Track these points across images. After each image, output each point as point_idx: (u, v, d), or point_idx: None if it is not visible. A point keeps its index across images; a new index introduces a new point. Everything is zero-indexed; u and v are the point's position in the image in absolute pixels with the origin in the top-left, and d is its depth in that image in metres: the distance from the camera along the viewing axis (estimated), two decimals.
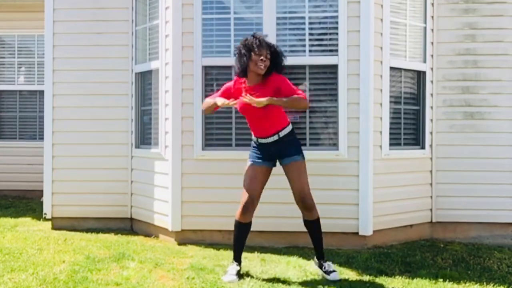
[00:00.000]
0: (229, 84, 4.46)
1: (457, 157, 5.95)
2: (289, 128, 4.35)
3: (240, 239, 4.39)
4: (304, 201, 4.30)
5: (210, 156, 5.43)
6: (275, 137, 4.28)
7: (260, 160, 4.33)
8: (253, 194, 4.29)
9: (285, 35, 5.38)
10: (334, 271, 4.31)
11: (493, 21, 5.98)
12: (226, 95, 4.38)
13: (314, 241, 4.42)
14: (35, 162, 8.21)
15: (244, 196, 4.30)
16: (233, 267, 4.31)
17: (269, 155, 4.33)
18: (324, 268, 4.34)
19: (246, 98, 4.12)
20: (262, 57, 4.20)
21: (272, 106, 4.22)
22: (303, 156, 4.34)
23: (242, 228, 4.36)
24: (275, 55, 4.30)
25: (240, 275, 4.26)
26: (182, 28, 5.43)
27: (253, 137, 4.43)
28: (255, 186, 4.30)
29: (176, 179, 5.44)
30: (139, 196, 6.06)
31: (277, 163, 4.41)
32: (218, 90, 4.60)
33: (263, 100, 4.12)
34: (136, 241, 5.50)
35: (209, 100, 4.46)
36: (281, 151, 4.31)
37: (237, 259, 4.38)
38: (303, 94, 4.32)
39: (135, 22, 6.12)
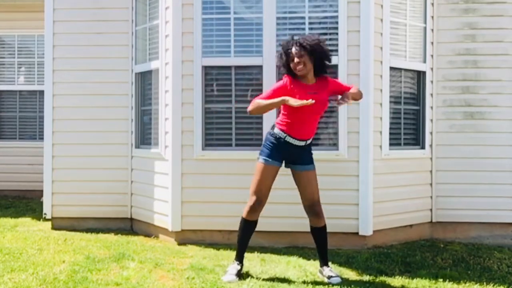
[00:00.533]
0: (282, 83, 4.27)
1: (457, 157, 5.95)
2: (312, 139, 4.39)
3: (245, 237, 4.36)
4: (314, 208, 4.31)
5: (210, 156, 5.43)
6: (303, 143, 4.28)
7: (272, 160, 4.25)
8: (262, 195, 4.27)
9: (285, 35, 5.36)
10: (334, 276, 4.26)
11: (493, 21, 5.98)
12: (281, 94, 4.20)
13: (320, 247, 4.42)
14: (35, 162, 8.21)
15: (253, 196, 4.26)
16: (234, 267, 4.29)
17: (284, 156, 4.30)
18: (326, 274, 4.32)
19: (348, 101, 4.20)
20: (295, 59, 4.17)
21: (326, 103, 4.30)
22: (314, 165, 4.37)
23: (248, 226, 4.34)
24: (315, 52, 4.21)
25: (240, 275, 4.24)
26: (182, 28, 5.43)
27: (277, 132, 4.25)
28: (265, 187, 4.27)
29: (176, 179, 5.44)
30: (139, 196, 6.06)
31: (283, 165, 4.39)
32: (256, 95, 4.42)
33: (350, 100, 4.23)
34: (136, 241, 5.50)
35: (263, 102, 4.21)
36: (299, 156, 4.31)
37: (239, 258, 4.35)
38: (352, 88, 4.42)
39: (135, 22, 6.12)
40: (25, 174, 8.48)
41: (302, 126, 4.23)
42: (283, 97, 4.13)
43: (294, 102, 4.05)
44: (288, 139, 4.23)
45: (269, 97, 4.24)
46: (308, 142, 4.33)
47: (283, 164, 4.36)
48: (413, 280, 4.35)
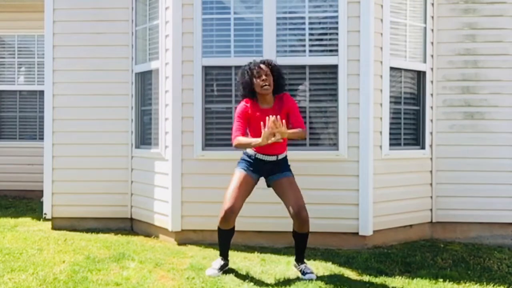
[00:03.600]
0: (243, 108, 4.41)
1: (457, 157, 5.96)
2: (285, 153, 4.46)
3: (224, 243, 4.44)
4: (301, 214, 4.25)
5: (210, 156, 5.43)
6: (274, 158, 4.38)
7: (249, 171, 4.36)
8: (236, 205, 4.26)
9: (285, 35, 5.38)
10: (311, 272, 4.30)
11: (493, 21, 5.98)
12: (245, 117, 4.41)
13: (298, 248, 4.44)
14: (35, 162, 8.21)
15: (225, 204, 4.27)
16: (218, 261, 4.40)
17: (260, 170, 4.40)
18: (300, 268, 4.37)
19: (275, 135, 4.16)
20: (263, 77, 4.33)
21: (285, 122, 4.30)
22: (292, 174, 4.42)
23: (225, 234, 4.38)
24: (277, 73, 4.42)
25: (225, 271, 4.33)
26: (182, 28, 5.44)
27: (247, 151, 4.41)
28: (238, 196, 4.27)
29: (176, 179, 5.44)
30: (139, 196, 6.06)
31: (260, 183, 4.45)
32: (238, 118, 4.46)
33: (285, 133, 4.19)
34: (136, 241, 5.50)
35: (243, 141, 4.34)
36: (273, 169, 4.39)
37: (224, 255, 4.45)
38: (304, 126, 4.47)
39: (135, 22, 6.12)
40: (25, 174, 8.48)
41: (266, 145, 4.26)
42: (260, 141, 4.20)
43: (266, 140, 4.15)
44: (259, 156, 4.36)
45: (240, 126, 4.40)
46: (280, 157, 4.40)
47: (263, 183, 4.44)
48: (413, 280, 4.35)
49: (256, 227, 5.31)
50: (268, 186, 4.50)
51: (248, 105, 4.42)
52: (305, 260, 4.49)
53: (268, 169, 4.40)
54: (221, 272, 4.31)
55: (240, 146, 4.41)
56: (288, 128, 4.30)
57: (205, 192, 5.43)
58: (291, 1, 5.41)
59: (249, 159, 4.40)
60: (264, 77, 4.33)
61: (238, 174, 4.36)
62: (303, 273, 4.31)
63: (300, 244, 4.42)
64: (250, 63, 4.45)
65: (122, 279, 4.10)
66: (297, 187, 4.37)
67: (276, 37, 5.31)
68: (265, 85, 4.34)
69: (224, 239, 4.41)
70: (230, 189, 4.31)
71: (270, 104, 4.43)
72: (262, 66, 4.38)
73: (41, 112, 8.01)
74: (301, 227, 4.30)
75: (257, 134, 4.33)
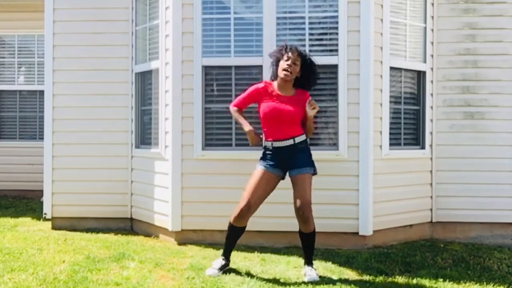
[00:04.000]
0: (257, 87, 4.41)
1: (457, 157, 5.96)
2: (304, 137, 4.36)
3: (232, 240, 4.39)
4: (303, 210, 4.20)
5: (210, 156, 5.43)
6: (291, 141, 4.29)
7: (271, 166, 4.29)
8: (253, 202, 4.23)
9: (285, 35, 5.38)
10: (311, 274, 4.26)
11: (493, 21, 5.98)
12: (253, 96, 4.42)
13: (305, 250, 4.39)
14: (35, 162, 8.21)
15: (242, 201, 4.24)
16: (219, 261, 4.36)
17: (282, 160, 4.30)
18: (305, 271, 4.33)
19: (313, 109, 4.29)
20: (288, 62, 4.27)
21: (299, 114, 4.32)
22: (313, 170, 4.33)
23: (236, 231, 4.35)
24: (307, 67, 4.37)
25: (225, 271, 4.30)
26: (182, 28, 5.43)
27: (265, 143, 4.38)
28: (257, 194, 4.24)
29: (176, 179, 5.44)
30: (139, 196, 6.06)
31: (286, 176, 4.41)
32: (239, 93, 4.59)
33: (312, 112, 4.32)
34: (136, 241, 5.50)
35: (234, 114, 4.49)
36: (294, 158, 4.28)
37: (226, 256, 4.40)
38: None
39: (135, 22, 6.12)
40: (25, 174, 8.48)
41: (277, 128, 4.31)
42: (248, 130, 4.37)
43: (251, 140, 4.37)
44: (275, 144, 4.30)
45: (242, 100, 4.49)
46: (298, 140, 4.31)
47: (286, 177, 4.39)
48: (413, 280, 4.35)
49: (256, 226, 5.30)
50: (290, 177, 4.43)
51: (264, 86, 4.39)
52: (313, 262, 4.42)
53: (289, 157, 4.27)
54: (221, 272, 4.29)
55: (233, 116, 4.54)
56: (302, 121, 4.36)
57: (205, 192, 5.43)
58: (291, 1, 5.41)
59: (268, 152, 4.33)
60: (289, 62, 4.27)
61: (257, 172, 4.30)
62: (305, 274, 4.29)
63: (305, 244, 4.37)
64: (288, 46, 4.39)
65: (122, 279, 4.09)
66: (309, 184, 4.26)
67: (276, 37, 5.31)
68: (287, 71, 4.27)
69: (233, 237, 4.35)
70: (248, 187, 4.26)
71: (289, 93, 4.36)
72: (295, 53, 4.31)
73: (41, 112, 8.01)
74: (302, 226, 4.28)
75: (265, 117, 4.33)
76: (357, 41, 5.28)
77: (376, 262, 4.86)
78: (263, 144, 4.41)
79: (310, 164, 4.33)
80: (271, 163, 4.30)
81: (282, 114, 4.27)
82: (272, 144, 4.32)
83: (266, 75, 5.26)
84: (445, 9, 5.98)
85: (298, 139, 4.31)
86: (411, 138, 5.89)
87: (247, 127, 4.40)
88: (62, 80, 6.17)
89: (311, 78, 4.43)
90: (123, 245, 5.26)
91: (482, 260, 5.09)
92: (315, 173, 4.35)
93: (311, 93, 5.34)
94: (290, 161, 4.30)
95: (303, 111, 4.33)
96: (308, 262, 4.41)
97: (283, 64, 4.31)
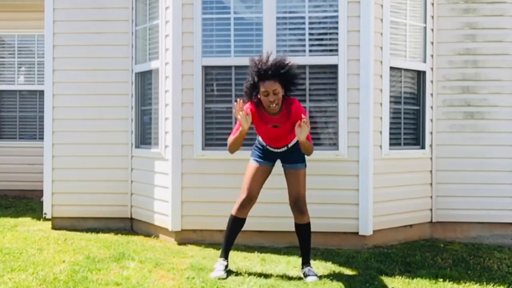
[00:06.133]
0: (249, 106, 4.27)
1: (457, 157, 5.96)
2: (295, 140, 4.36)
3: (232, 233, 4.42)
4: (298, 203, 4.33)
5: (210, 156, 5.43)
6: (284, 148, 4.40)
7: (262, 160, 4.41)
8: (252, 193, 4.34)
9: (285, 35, 5.38)
10: (311, 275, 4.26)
11: (493, 21, 5.98)
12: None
13: (302, 245, 4.43)
14: (35, 162, 8.21)
15: (242, 193, 4.34)
16: (221, 263, 4.37)
17: (273, 157, 4.44)
18: (304, 272, 4.34)
19: (302, 131, 4.09)
20: (269, 98, 4.14)
21: (291, 129, 4.27)
22: (305, 164, 4.42)
23: (237, 223, 4.39)
24: (287, 78, 4.21)
25: (228, 271, 4.30)
26: (182, 28, 5.43)
27: (260, 140, 4.46)
28: (255, 185, 4.35)
29: (176, 179, 5.44)
30: (139, 196, 6.05)
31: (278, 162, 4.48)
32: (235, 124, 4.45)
33: (303, 138, 4.14)
34: (136, 241, 5.50)
35: (231, 138, 4.32)
36: (286, 157, 4.42)
37: (225, 255, 4.42)
38: (311, 140, 4.32)
39: (135, 22, 6.12)
40: (25, 174, 8.48)
41: (271, 139, 4.37)
42: (241, 129, 4.20)
43: (246, 123, 4.17)
44: (269, 148, 4.40)
45: (237, 129, 4.28)
46: (290, 145, 4.38)
47: (277, 171, 4.45)
48: (413, 280, 4.35)
49: (256, 226, 5.31)
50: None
51: (252, 107, 4.27)
52: (310, 262, 4.45)
53: (281, 156, 4.42)
54: (226, 273, 4.27)
55: (232, 147, 4.34)
56: (292, 137, 4.33)
57: (205, 192, 5.43)
58: (291, 1, 5.41)
59: (261, 148, 4.43)
60: (271, 98, 4.14)
61: (252, 165, 4.40)
62: (305, 275, 4.29)
63: (303, 238, 4.40)
64: (258, 71, 4.12)
65: (122, 279, 4.09)
66: (303, 178, 4.38)
67: (276, 36, 5.31)
68: (273, 105, 4.16)
69: (235, 228, 4.38)
70: (246, 179, 4.37)
71: (276, 112, 4.26)
72: (268, 84, 4.09)
73: (41, 112, 8.01)
74: (299, 218, 4.36)
75: (261, 136, 4.41)
76: (357, 41, 5.28)
77: (376, 262, 4.86)
78: (258, 140, 4.48)
79: (302, 159, 4.40)
80: (261, 157, 4.41)
81: (275, 137, 4.34)
82: (266, 146, 4.42)
83: None
84: (445, 9, 5.98)
85: (291, 144, 4.40)
86: (411, 138, 5.89)
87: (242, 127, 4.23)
88: (62, 80, 6.17)
89: (290, 85, 4.28)
90: (123, 245, 5.26)
91: (482, 260, 5.09)
92: (305, 166, 4.44)
93: (311, 93, 5.35)
94: (282, 158, 4.44)
95: (293, 125, 4.23)
96: (306, 262, 4.42)
97: (264, 99, 4.16)
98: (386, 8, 5.47)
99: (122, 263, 4.53)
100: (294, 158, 4.39)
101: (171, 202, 5.45)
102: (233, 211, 4.38)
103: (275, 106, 4.18)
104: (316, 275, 4.29)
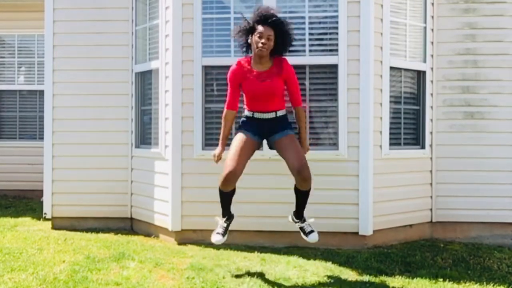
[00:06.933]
0: (233, 70, 4.38)
1: (457, 157, 5.96)
2: (284, 111, 4.40)
3: (226, 202, 4.44)
4: (302, 172, 4.18)
5: (210, 156, 5.41)
6: (272, 115, 4.33)
7: (252, 133, 4.33)
8: (237, 167, 4.23)
9: None
10: (312, 231, 4.34)
11: (493, 21, 5.98)
12: (236, 84, 4.38)
13: (299, 204, 4.41)
14: (35, 162, 8.21)
15: (227, 167, 4.23)
16: (221, 225, 4.43)
17: (260, 130, 4.36)
18: (303, 228, 4.40)
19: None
20: (262, 40, 4.19)
21: (280, 86, 4.30)
22: (293, 131, 4.37)
23: (227, 194, 4.38)
24: (282, 31, 4.26)
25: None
26: (182, 28, 5.43)
27: (246, 112, 4.42)
28: (240, 160, 4.23)
29: (176, 179, 5.44)
30: (139, 196, 6.06)
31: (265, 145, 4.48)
32: (228, 89, 4.53)
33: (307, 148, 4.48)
34: (136, 241, 5.50)
35: (222, 125, 4.54)
36: (273, 128, 4.34)
37: (227, 214, 4.46)
38: (301, 103, 4.42)
39: (135, 22, 6.12)
40: (25, 174, 8.48)
41: (259, 102, 4.31)
42: (214, 153, 4.50)
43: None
44: (256, 115, 4.33)
45: (230, 96, 4.44)
46: (279, 114, 4.34)
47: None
48: (413, 280, 4.35)
49: (256, 226, 5.31)
50: (270, 148, 4.46)
51: (238, 66, 4.33)
52: (304, 216, 4.47)
53: (268, 128, 4.34)
54: (226, 236, 4.37)
55: (228, 128, 4.52)
56: (283, 93, 4.34)
57: (205, 191, 5.42)
58: (291, 1, 5.41)
59: (247, 121, 4.37)
60: (264, 40, 4.19)
61: (238, 137, 4.32)
62: (305, 232, 4.33)
63: (300, 199, 4.37)
64: (260, 14, 4.22)
65: (122, 278, 4.10)
66: (299, 145, 4.32)
67: None
68: (262, 48, 4.19)
69: (227, 199, 4.40)
70: (230, 153, 4.28)
71: (266, 66, 4.31)
72: (266, 28, 4.19)
73: (41, 112, 8.01)
74: (302, 185, 4.26)
75: (249, 96, 4.33)
76: (357, 41, 5.28)
77: (376, 262, 4.86)
78: (244, 114, 4.43)
79: (291, 127, 4.37)
80: (251, 130, 4.34)
81: (264, 93, 4.27)
82: (253, 114, 4.35)
83: None
84: (445, 9, 5.98)
85: (280, 113, 4.35)
86: (411, 138, 5.89)
87: (217, 151, 4.48)
88: (62, 80, 6.17)
89: (286, 41, 4.33)
90: (123, 245, 5.26)
91: (482, 260, 5.09)
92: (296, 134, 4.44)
93: (311, 93, 5.35)
94: (270, 130, 4.35)
95: (283, 82, 4.31)
96: (301, 217, 4.44)
97: (256, 40, 4.21)
98: (386, 8, 5.47)
99: (122, 263, 4.53)
100: (283, 126, 4.32)
101: (171, 202, 5.45)
102: (219, 185, 4.31)
103: (264, 51, 4.20)
104: (314, 231, 4.37)
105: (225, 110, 4.53)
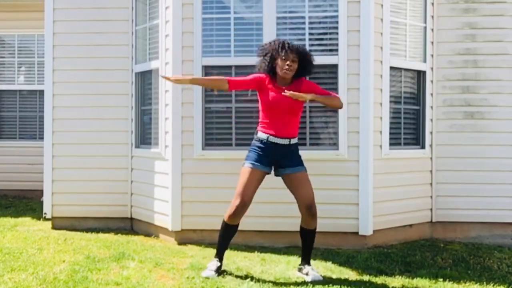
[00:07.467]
0: (260, 75, 4.39)
1: (457, 156, 5.96)
2: (297, 139, 4.39)
3: (226, 239, 4.38)
4: (312, 209, 4.27)
5: (210, 156, 5.43)
6: (287, 141, 4.29)
7: (260, 164, 4.28)
8: (246, 199, 4.24)
9: (285, 35, 5.37)
10: (315, 274, 4.27)
11: (493, 21, 5.98)
12: (256, 84, 4.39)
13: (306, 248, 4.41)
14: (35, 162, 8.21)
15: (236, 200, 4.24)
16: (213, 263, 4.31)
17: (271, 159, 4.30)
18: (307, 271, 4.32)
19: (287, 93, 4.20)
20: (288, 62, 4.26)
21: (299, 107, 4.33)
22: (305, 167, 4.36)
23: (230, 229, 4.34)
24: (304, 58, 4.35)
25: (220, 272, 4.26)
26: (182, 28, 5.44)
27: (260, 135, 4.31)
28: (249, 191, 4.25)
29: (176, 179, 5.44)
30: (139, 196, 6.06)
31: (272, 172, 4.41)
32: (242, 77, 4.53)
33: (308, 95, 4.27)
34: (136, 241, 5.50)
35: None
36: (286, 158, 4.30)
37: (220, 257, 4.37)
38: (338, 95, 4.44)
39: (135, 22, 6.12)
40: (25, 174, 8.48)
41: (280, 122, 4.28)
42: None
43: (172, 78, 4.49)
44: (271, 139, 4.28)
45: (242, 79, 4.45)
46: (293, 141, 4.33)
47: (272, 172, 4.37)
48: (413, 280, 4.35)
49: (256, 226, 5.31)
50: (277, 175, 4.40)
51: (265, 77, 4.37)
52: (311, 262, 4.44)
53: (281, 155, 4.30)
54: (217, 274, 4.23)
55: (206, 81, 4.74)
56: (300, 114, 4.37)
57: (205, 191, 5.43)
58: (291, 1, 5.41)
59: (261, 145, 4.29)
60: (289, 62, 4.26)
61: (246, 170, 4.28)
62: (308, 274, 4.27)
63: (308, 240, 4.38)
64: (281, 41, 4.35)
65: (122, 278, 4.09)
66: (309, 182, 4.33)
67: (276, 36, 5.29)
68: (288, 70, 4.27)
69: (228, 236, 4.35)
70: (239, 185, 4.26)
71: (286, 83, 4.36)
72: (293, 51, 4.28)
73: (41, 112, 8.01)
74: (310, 223, 4.30)
75: (268, 107, 4.30)
76: (357, 41, 5.28)
77: (376, 262, 4.86)
78: (257, 136, 4.35)
79: (303, 163, 4.36)
80: (260, 160, 4.29)
81: (282, 105, 4.27)
82: (268, 137, 4.29)
83: None
84: (445, 9, 5.98)
85: (293, 141, 4.34)
86: (411, 138, 5.89)
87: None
88: (62, 80, 6.17)
89: (307, 68, 4.41)
90: (123, 244, 5.26)
91: (482, 260, 5.09)
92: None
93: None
94: (281, 160, 4.32)
95: (301, 102, 4.33)
96: (308, 262, 4.41)
97: (282, 64, 4.28)
98: (386, 8, 5.47)
99: (122, 263, 4.53)
100: (295, 160, 4.32)
101: (171, 202, 5.45)
102: (226, 218, 4.30)
103: (289, 72, 4.27)
104: (318, 273, 4.29)
105: (225, 77, 4.49)
